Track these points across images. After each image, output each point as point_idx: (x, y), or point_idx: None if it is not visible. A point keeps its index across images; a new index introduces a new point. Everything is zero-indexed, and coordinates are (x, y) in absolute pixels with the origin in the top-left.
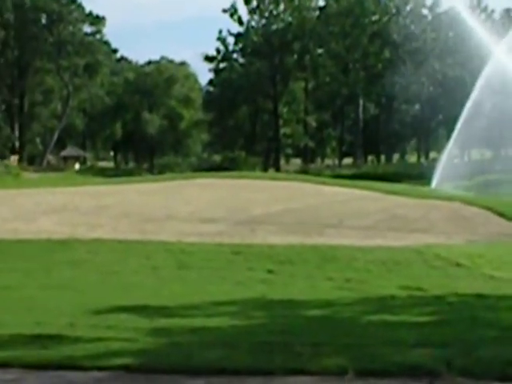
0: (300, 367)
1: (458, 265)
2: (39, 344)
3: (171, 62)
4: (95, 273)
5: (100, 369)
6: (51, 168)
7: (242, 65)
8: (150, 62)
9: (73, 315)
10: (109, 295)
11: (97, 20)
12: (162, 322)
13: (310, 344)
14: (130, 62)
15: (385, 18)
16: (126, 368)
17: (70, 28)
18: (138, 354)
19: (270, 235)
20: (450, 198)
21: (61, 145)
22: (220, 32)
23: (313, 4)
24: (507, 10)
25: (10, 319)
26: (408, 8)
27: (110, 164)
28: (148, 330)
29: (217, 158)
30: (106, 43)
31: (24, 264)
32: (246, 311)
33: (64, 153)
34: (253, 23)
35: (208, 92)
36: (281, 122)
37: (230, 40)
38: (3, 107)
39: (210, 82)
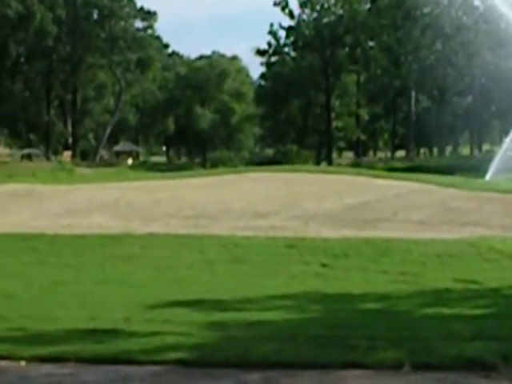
0: (355, 361)
1: None
2: (94, 339)
3: (223, 56)
4: (149, 267)
5: (155, 363)
6: (104, 163)
7: (293, 58)
8: (201, 57)
9: (128, 310)
10: (163, 289)
11: (148, 15)
12: (217, 316)
13: (366, 337)
14: (181, 57)
15: (436, 10)
16: (182, 362)
17: (122, 23)
18: (193, 348)
19: (323, 229)
20: (504, 191)
21: (113, 140)
22: (271, 26)
23: None
24: None
25: (64, 314)
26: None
27: (163, 159)
28: (203, 324)
29: (269, 151)
30: (158, 38)
31: (78, 259)
32: (301, 305)
33: (117, 148)
34: (304, 16)
35: (260, 86)
36: (333, 115)
37: (282, 34)
38: (56, 103)
39: (262, 76)
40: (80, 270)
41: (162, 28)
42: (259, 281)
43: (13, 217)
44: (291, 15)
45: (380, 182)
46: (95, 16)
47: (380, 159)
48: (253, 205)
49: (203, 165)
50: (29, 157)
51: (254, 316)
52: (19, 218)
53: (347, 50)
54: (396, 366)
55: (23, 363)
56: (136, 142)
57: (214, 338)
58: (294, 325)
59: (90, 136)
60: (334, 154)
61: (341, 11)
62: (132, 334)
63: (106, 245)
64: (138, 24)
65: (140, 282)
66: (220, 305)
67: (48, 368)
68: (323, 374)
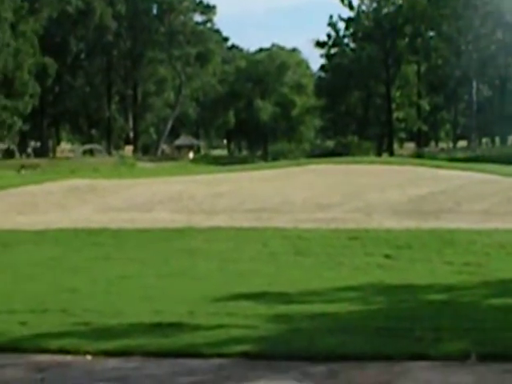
0: (421, 352)
1: None
2: (159, 332)
3: (282, 48)
4: (213, 260)
5: (220, 356)
6: (165, 157)
7: (353, 49)
8: (261, 50)
9: (192, 303)
10: (227, 282)
11: (207, 9)
12: (281, 309)
13: (431, 329)
14: (241, 50)
15: None
16: (247, 355)
17: (181, 17)
18: (258, 341)
19: (386, 220)
20: None
21: (174, 134)
22: (331, 17)
23: None
24: None
25: (129, 308)
26: None
27: (224, 152)
28: (267, 317)
29: (329, 143)
30: (217, 32)
31: (141, 253)
32: (365, 296)
33: (178, 142)
34: (363, 7)
35: (320, 78)
36: (393, 105)
37: (341, 25)
38: (117, 98)
39: (322, 68)
40: (144, 264)
41: (221, 21)
42: (322, 273)
43: (76, 212)
44: (351, 6)
45: (442, 172)
46: (154, 11)
47: (442, 150)
48: (315, 197)
49: (264, 157)
50: (90, 152)
51: (317, 308)
52: (82, 213)
53: (407, 40)
54: (462, 357)
55: (89, 357)
56: (197, 135)
57: (278, 330)
58: (358, 317)
59: (151, 130)
60: (395, 145)
61: (400, 1)
62: (196, 327)
63: (169, 238)
64: (198, 18)
65: (204, 275)
66: (284, 297)
67: (113, 362)
68: (388, 365)
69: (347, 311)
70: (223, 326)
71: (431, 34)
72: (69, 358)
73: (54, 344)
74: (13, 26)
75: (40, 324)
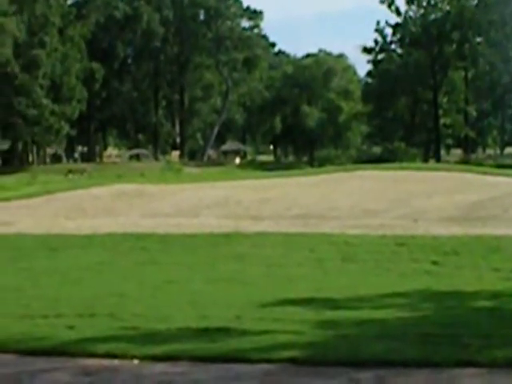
0: (468, 359)
1: None
2: (206, 337)
3: (329, 54)
4: (260, 266)
5: (267, 361)
6: (212, 163)
7: (400, 55)
8: (308, 55)
9: (239, 308)
10: (274, 288)
11: (254, 14)
12: (329, 315)
13: (478, 336)
14: (288, 56)
15: None
16: (294, 360)
17: (228, 23)
18: (305, 347)
19: (432, 226)
20: None
21: (221, 139)
22: (378, 23)
23: None
24: None
25: (176, 313)
26: None
27: (270, 158)
28: (315, 323)
29: (376, 149)
30: (264, 37)
31: (188, 258)
32: (412, 303)
33: (224, 147)
34: (410, 13)
35: (367, 83)
36: (440, 112)
37: (388, 31)
38: (164, 103)
39: (369, 74)
40: (191, 269)
41: (268, 27)
42: (369, 279)
43: (123, 217)
44: (398, 12)
45: (490, 178)
46: (202, 16)
47: (489, 156)
48: (362, 203)
49: (311, 163)
50: (137, 157)
51: (365, 314)
52: (129, 217)
53: (454, 46)
54: (509, 365)
55: (136, 362)
56: (243, 141)
57: (325, 336)
58: (405, 323)
59: (198, 136)
60: (442, 152)
61: (448, 7)
62: (244, 333)
63: (216, 243)
64: (245, 23)
65: (251, 281)
66: (331, 303)
67: (161, 367)
68: (435, 372)
69: (394, 317)
70: (270, 332)
71: (479, 39)
72: (116, 362)
73: (102, 348)
74: (61, 31)
75: (87, 328)
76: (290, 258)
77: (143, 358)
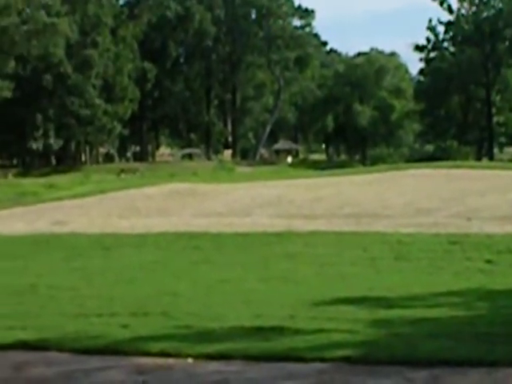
0: None
1: None
2: (260, 336)
3: (381, 52)
4: (313, 265)
5: (321, 360)
6: (264, 162)
7: (452, 53)
8: (359, 54)
9: (292, 307)
10: (327, 287)
11: (306, 13)
12: (382, 313)
13: None
14: (339, 54)
15: None
16: (347, 359)
17: (280, 22)
18: (358, 346)
19: (486, 225)
20: None
21: (273, 138)
22: (430, 21)
23: None
24: None
25: (229, 312)
26: None
27: (322, 156)
28: (368, 322)
29: (429, 148)
30: (316, 36)
31: (241, 257)
32: (466, 301)
33: (276, 146)
34: (463, 11)
35: (419, 82)
36: (493, 110)
37: (440, 29)
38: (216, 103)
39: (421, 72)
40: (244, 268)
41: (319, 26)
42: (423, 277)
43: (176, 216)
44: (450, 10)
45: None
46: (253, 15)
47: None
48: (414, 202)
49: (363, 162)
50: (189, 156)
51: (418, 313)
52: (182, 217)
53: (507, 43)
54: None
55: (190, 360)
56: (295, 140)
57: (379, 335)
58: (459, 322)
59: (250, 135)
60: (495, 150)
61: (500, 5)
62: (297, 332)
63: (269, 242)
64: (296, 22)
65: (304, 280)
66: (384, 302)
67: (214, 365)
68: (491, 371)
69: (448, 316)
70: (324, 331)
71: None
72: (170, 361)
73: (156, 347)
74: (113, 32)
75: (141, 327)
76: (342, 257)
77: (197, 357)
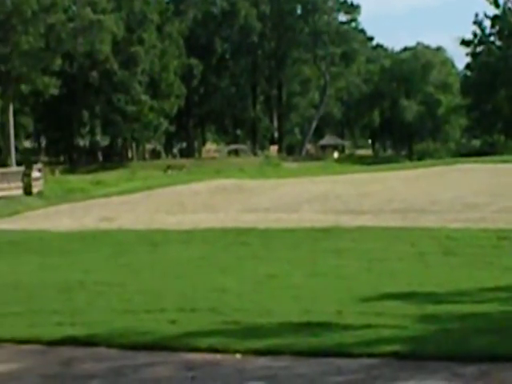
0: None
1: None
2: (308, 331)
3: (427, 47)
4: (360, 260)
5: (370, 355)
6: (310, 157)
7: (499, 47)
8: (405, 49)
9: (340, 302)
10: (375, 282)
11: (352, 8)
12: (430, 309)
13: None
14: (385, 50)
15: None
16: (396, 355)
17: (326, 17)
18: (407, 341)
19: None
20: None
21: (319, 134)
22: (476, 15)
23: None
24: None
25: (277, 307)
26: None
27: (368, 152)
28: (416, 317)
29: (475, 142)
30: (362, 31)
31: (289, 253)
32: None
33: (322, 142)
34: (510, 5)
35: (465, 76)
36: None
37: (487, 23)
38: (262, 98)
39: (467, 67)
40: (291, 264)
41: (365, 21)
42: (471, 273)
43: (223, 212)
44: (496, 4)
45: None
46: (299, 11)
47: None
48: (462, 196)
49: (409, 157)
50: (236, 152)
51: (467, 308)
52: (229, 212)
53: None
54: None
55: (238, 356)
56: (341, 135)
57: (427, 330)
58: (508, 317)
59: (296, 130)
60: None
61: None
62: (345, 327)
63: (316, 238)
64: (342, 17)
65: (351, 275)
66: (432, 297)
67: (263, 361)
68: None
69: (497, 311)
70: (372, 326)
71: None
72: (219, 356)
73: (204, 342)
74: (159, 28)
75: (189, 323)
76: (390, 252)
77: (245, 352)
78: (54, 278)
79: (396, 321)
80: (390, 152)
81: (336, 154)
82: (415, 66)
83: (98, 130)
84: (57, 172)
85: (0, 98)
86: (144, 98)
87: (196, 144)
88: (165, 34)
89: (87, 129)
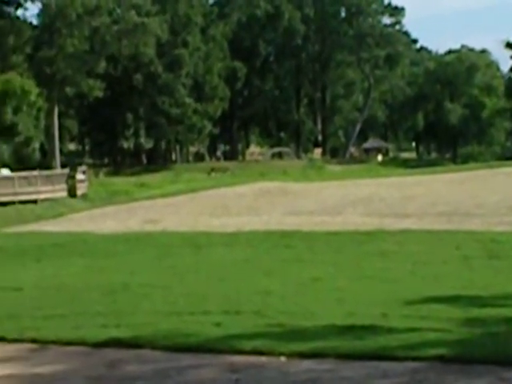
0: None
1: None
2: (352, 334)
3: (472, 50)
4: (405, 263)
5: (414, 359)
6: (354, 160)
7: None
8: (450, 52)
9: (385, 305)
10: (420, 285)
11: (396, 11)
12: (475, 312)
13: None
14: (429, 52)
15: None
16: (441, 358)
17: (370, 20)
18: (452, 344)
19: None
20: None
21: (363, 137)
22: None
23: None
24: None
25: (321, 310)
26: None
27: (412, 155)
28: (461, 320)
29: None
30: (406, 34)
31: (333, 255)
32: None
33: (366, 145)
34: None
35: (510, 79)
36: None
37: None
38: (306, 101)
39: None
40: (336, 267)
41: (409, 23)
42: None
43: (266, 214)
44: None
45: None
46: (343, 13)
47: None
48: (507, 199)
49: (454, 160)
50: (279, 155)
51: None
52: (273, 215)
53: None
54: None
55: (283, 359)
56: (385, 138)
57: (472, 334)
58: None
59: (340, 133)
60: None
61: None
62: (390, 330)
63: (361, 241)
64: (386, 20)
65: (396, 278)
66: (477, 300)
67: (307, 364)
68: None
69: None
70: (417, 330)
71: None
72: (263, 359)
73: (248, 345)
74: (203, 31)
75: (234, 325)
76: (435, 256)
77: (290, 355)
78: (99, 280)
79: (441, 324)
80: (434, 155)
81: (380, 157)
82: (459, 69)
83: (142, 132)
84: (101, 174)
85: (45, 100)
86: (188, 100)
87: (240, 147)
88: (209, 37)
89: (131, 131)
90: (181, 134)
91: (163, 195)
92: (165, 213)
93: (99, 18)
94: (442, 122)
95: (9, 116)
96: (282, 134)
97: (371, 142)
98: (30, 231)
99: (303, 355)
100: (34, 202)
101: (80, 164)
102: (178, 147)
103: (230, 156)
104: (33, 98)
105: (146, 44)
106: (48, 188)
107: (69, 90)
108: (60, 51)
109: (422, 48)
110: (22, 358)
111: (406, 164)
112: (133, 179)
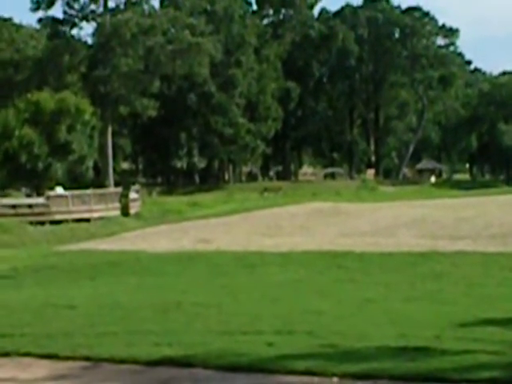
0: None
1: None
2: (406, 356)
3: None
4: (459, 285)
5: (468, 381)
6: (407, 181)
7: None
8: (504, 73)
9: (438, 327)
10: (474, 307)
11: (450, 32)
12: None
13: None
14: (484, 73)
15: None
16: (494, 381)
17: (424, 41)
18: (505, 367)
19: None
20: None
21: (416, 158)
22: None
23: None
24: None
25: (374, 331)
26: None
27: (466, 176)
28: None
29: None
30: (460, 55)
31: (386, 276)
32: None
33: (419, 166)
34: None
35: None
36: None
37: None
38: (359, 122)
39: None
40: (389, 288)
41: (464, 44)
42: None
43: (319, 234)
44: None
45: None
46: (397, 34)
47: None
48: None
49: (507, 182)
50: (332, 175)
51: None
52: (326, 235)
53: None
54: None
55: (336, 380)
56: (438, 159)
57: None
58: None
59: (393, 154)
60: None
61: None
62: (443, 352)
63: (414, 262)
64: (440, 41)
65: (450, 300)
66: None
67: None
68: None
69: None
70: (470, 352)
71: None
72: (316, 379)
73: (301, 365)
74: (256, 51)
75: (286, 345)
76: (489, 278)
77: (342, 376)
78: (152, 299)
79: (494, 347)
80: (487, 177)
81: (433, 178)
82: None
83: (195, 151)
84: (154, 193)
85: (99, 119)
86: (241, 120)
87: (292, 167)
88: (262, 57)
89: (185, 151)
90: (234, 154)
91: (216, 215)
92: (217, 232)
93: (153, 38)
94: (495, 144)
95: (63, 134)
96: (335, 155)
97: (424, 163)
98: (84, 249)
99: (356, 376)
100: (88, 220)
101: (133, 183)
102: (230, 167)
103: (282, 176)
104: (87, 116)
105: (199, 64)
106: (101, 206)
107: (123, 109)
108: (114, 70)
109: (476, 69)
110: (75, 376)
111: (460, 185)
112: (185, 198)
